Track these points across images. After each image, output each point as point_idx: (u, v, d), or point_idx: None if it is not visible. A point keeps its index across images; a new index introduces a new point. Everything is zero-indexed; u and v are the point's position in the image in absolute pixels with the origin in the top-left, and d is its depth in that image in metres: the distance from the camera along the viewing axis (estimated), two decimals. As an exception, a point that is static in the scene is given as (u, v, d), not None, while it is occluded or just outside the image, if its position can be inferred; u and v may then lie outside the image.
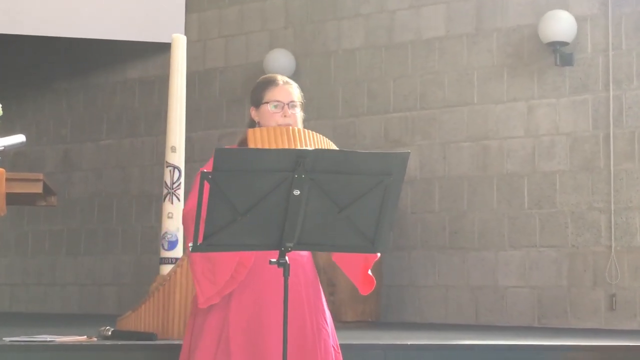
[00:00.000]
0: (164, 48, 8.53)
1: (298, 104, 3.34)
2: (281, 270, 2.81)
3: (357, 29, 8.64)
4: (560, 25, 7.49)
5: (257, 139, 3.16)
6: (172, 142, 5.22)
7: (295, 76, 8.48)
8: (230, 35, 9.36)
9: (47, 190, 4.36)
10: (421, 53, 8.31)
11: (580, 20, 7.57)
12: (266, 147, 3.12)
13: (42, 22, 9.20)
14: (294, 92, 3.36)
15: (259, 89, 3.37)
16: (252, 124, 3.35)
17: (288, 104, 3.30)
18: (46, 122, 10.33)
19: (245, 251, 3.08)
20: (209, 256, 3.04)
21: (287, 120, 3.28)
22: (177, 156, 5.21)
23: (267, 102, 3.31)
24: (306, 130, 3.23)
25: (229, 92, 9.26)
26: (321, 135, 3.25)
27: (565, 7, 7.62)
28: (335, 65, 8.71)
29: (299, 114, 3.34)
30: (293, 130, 3.20)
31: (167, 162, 5.19)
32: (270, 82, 3.36)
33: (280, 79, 3.38)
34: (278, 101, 3.30)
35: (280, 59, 8.70)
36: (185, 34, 7.31)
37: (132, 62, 9.91)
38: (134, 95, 9.87)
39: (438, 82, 8.19)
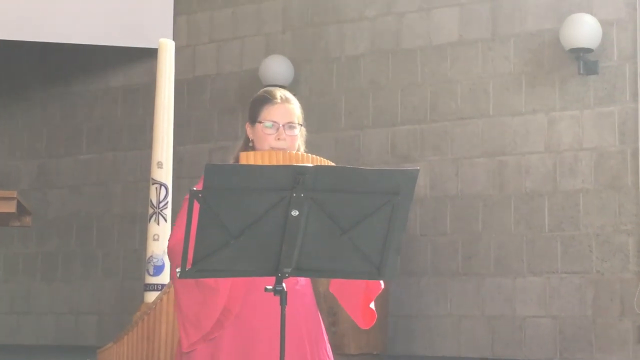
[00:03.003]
0: (150, 54, 8.57)
1: (297, 125, 3.28)
2: (277, 301, 2.78)
3: (361, 33, 8.66)
4: (584, 30, 7.51)
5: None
6: (159, 157, 5.22)
7: (293, 85, 8.51)
8: (222, 40, 9.38)
9: (21, 210, 4.36)
10: (432, 60, 8.33)
11: (605, 24, 7.59)
12: None
13: (15, 25, 9.22)
14: (294, 111, 3.29)
15: (255, 104, 3.31)
16: (247, 141, 3.31)
17: (284, 126, 3.24)
18: (20, 134, 10.34)
19: (232, 295, 3.06)
20: (195, 299, 3.03)
21: (281, 143, 3.22)
22: (163, 172, 5.21)
23: (261, 122, 3.26)
24: (305, 154, 3.18)
25: (221, 102, 9.28)
26: (324, 160, 3.18)
27: (590, 11, 7.64)
28: (338, 73, 8.73)
29: (297, 135, 3.28)
30: (290, 155, 3.15)
31: (152, 178, 5.20)
32: (267, 99, 3.29)
33: (280, 95, 3.30)
34: (273, 122, 3.24)
35: (277, 66, 8.72)
36: (174, 39, 7.34)
37: (114, 69, 9.93)
38: (116, 105, 9.88)
39: (450, 92, 8.21)
